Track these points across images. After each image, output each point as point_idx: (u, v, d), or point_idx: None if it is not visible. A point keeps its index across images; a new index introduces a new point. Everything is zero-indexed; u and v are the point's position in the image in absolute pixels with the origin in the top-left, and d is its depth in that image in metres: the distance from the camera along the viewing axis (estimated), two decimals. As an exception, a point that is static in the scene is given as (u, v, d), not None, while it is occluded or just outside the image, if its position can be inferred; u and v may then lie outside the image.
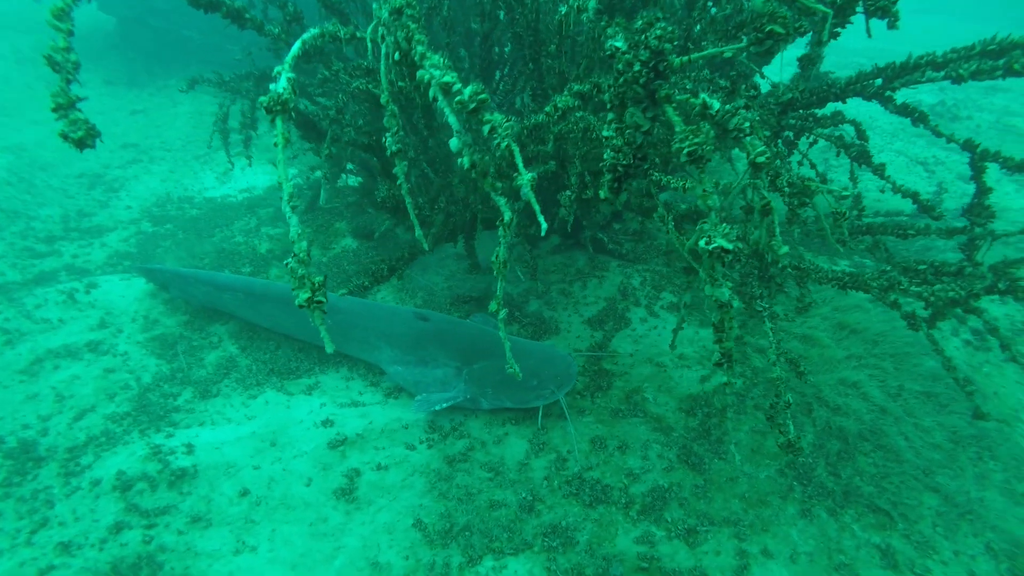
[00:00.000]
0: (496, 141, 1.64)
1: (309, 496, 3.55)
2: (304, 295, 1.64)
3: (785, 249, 1.91)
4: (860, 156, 3.90)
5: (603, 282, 5.33)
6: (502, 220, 1.79)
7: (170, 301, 5.37)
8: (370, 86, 3.05)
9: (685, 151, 1.69)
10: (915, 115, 3.56)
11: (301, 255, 1.68)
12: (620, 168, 1.80)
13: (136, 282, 5.58)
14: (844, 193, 2.22)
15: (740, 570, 3.19)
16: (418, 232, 1.95)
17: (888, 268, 3.11)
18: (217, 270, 5.79)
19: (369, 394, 4.40)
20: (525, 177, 1.65)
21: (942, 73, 3.14)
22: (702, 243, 1.70)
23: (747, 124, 1.71)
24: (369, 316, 4.31)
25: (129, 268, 6.07)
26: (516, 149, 1.64)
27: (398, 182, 1.95)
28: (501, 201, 1.76)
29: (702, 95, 1.74)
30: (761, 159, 1.70)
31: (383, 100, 2.05)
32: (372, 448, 3.83)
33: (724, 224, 1.70)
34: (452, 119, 1.66)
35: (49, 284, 6.01)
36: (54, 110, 1.73)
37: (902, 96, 3.29)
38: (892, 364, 4.58)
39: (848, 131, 4.41)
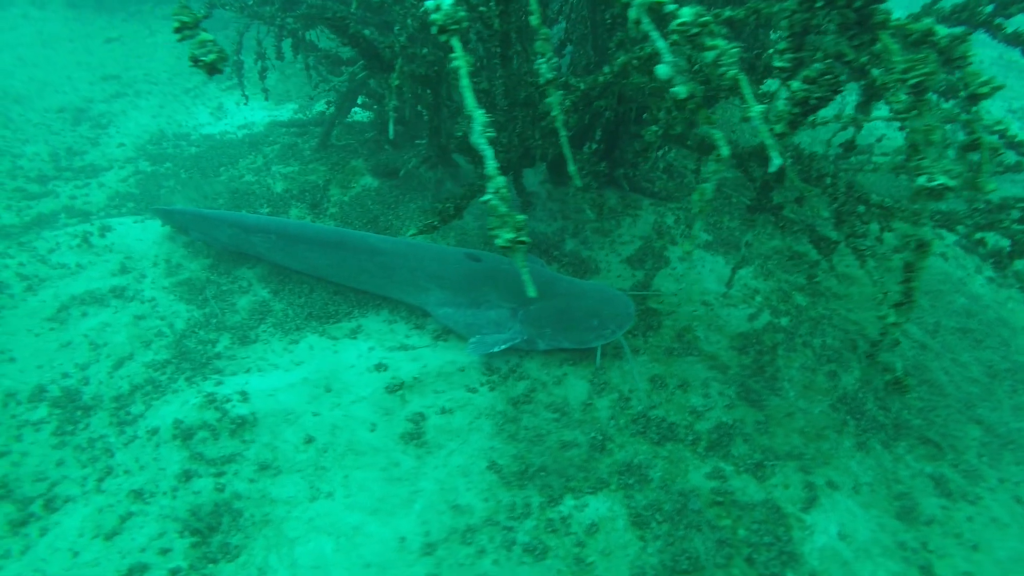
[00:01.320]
0: (722, 70, 1.51)
1: (376, 441, 3.53)
2: (508, 235, 1.52)
3: (993, 186, 1.86)
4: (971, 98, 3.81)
5: (637, 221, 5.26)
6: (718, 155, 1.66)
7: (190, 244, 5.15)
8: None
9: (911, 81, 1.59)
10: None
11: (503, 191, 1.55)
12: (813, 100, 1.69)
13: (151, 224, 5.31)
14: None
15: (809, 502, 3.31)
16: (572, 168, 1.83)
17: (980, 207, 3.10)
18: (234, 211, 5.55)
19: (416, 337, 4.33)
20: (756, 109, 1.54)
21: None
22: (922, 180, 1.63)
23: (970, 53, 1.62)
24: (415, 257, 4.20)
25: (144, 210, 5.77)
26: (744, 79, 1.53)
27: (553, 113, 1.80)
28: (718, 134, 1.65)
29: (925, 20, 1.64)
30: (984, 89, 1.62)
31: (535, 23, 1.87)
32: (431, 392, 3.80)
33: (945, 160, 1.63)
34: (661, 43, 1.52)
35: (51, 227, 5.70)
36: (177, 30, 1.54)
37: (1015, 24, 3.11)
38: (928, 301, 4.68)
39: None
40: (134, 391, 3.97)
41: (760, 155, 3.43)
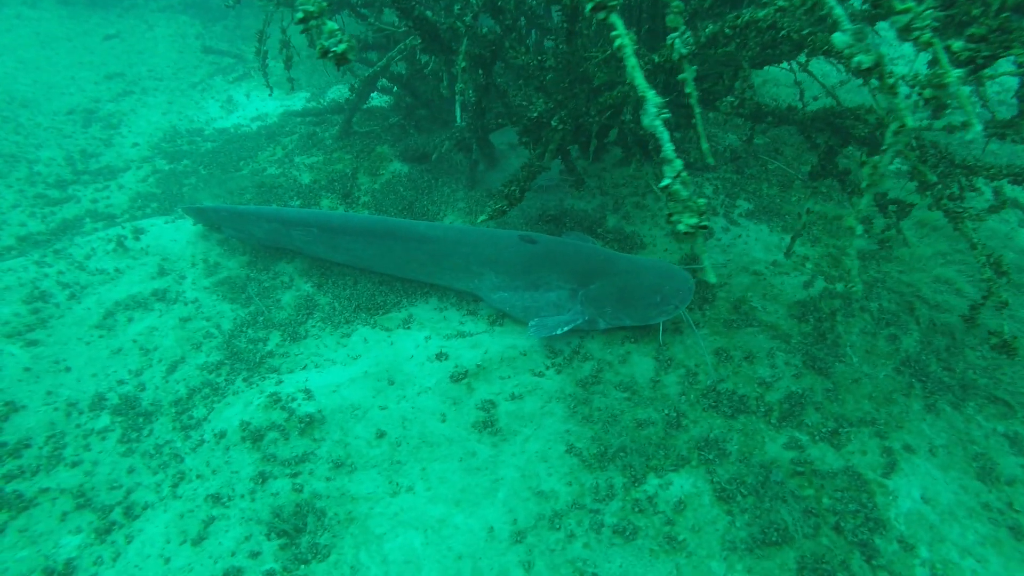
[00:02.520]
0: (915, 35, 1.44)
1: (449, 432, 3.50)
2: (691, 220, 1.46)
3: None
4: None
5: (676, 193, 5.19)
6: (902, 127, 1.57)
7: (224, 242, 5.07)
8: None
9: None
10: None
11: (684, 175, 1.49)
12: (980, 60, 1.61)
13: (183, 224, 5.23)
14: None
15: (889, 467, 3.30)
16: (704, 146, 1.76)
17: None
18: (264, 205, 5.46)
19: (471, 323, 4.29)
20: (954, 74, 1.47)
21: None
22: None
23: None
24: (467, 243, 4.13)
25: (169, 209, 5.68)
26: (939, 44, 1.45)
27: (687, 91, 1.72)
28: (903, 105, 1.57)
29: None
30: None
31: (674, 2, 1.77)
32: (497, 378, 3.77)
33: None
34: (839, 10, 1.45)
35: (79, 232, 5.61)
36: (301, 20, 1.46)
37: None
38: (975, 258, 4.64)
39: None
40: (192, 394, 3.93)
41: (824, 120, 3.36)
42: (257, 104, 7.67)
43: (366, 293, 4.59)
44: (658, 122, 1.46)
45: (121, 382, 4.05)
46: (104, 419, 3.84)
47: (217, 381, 3.98)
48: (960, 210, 2.71)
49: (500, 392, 3.68)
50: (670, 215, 1.49)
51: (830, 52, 1.71)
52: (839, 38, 1.47)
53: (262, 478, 3.34)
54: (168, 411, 3.85)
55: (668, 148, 1.49)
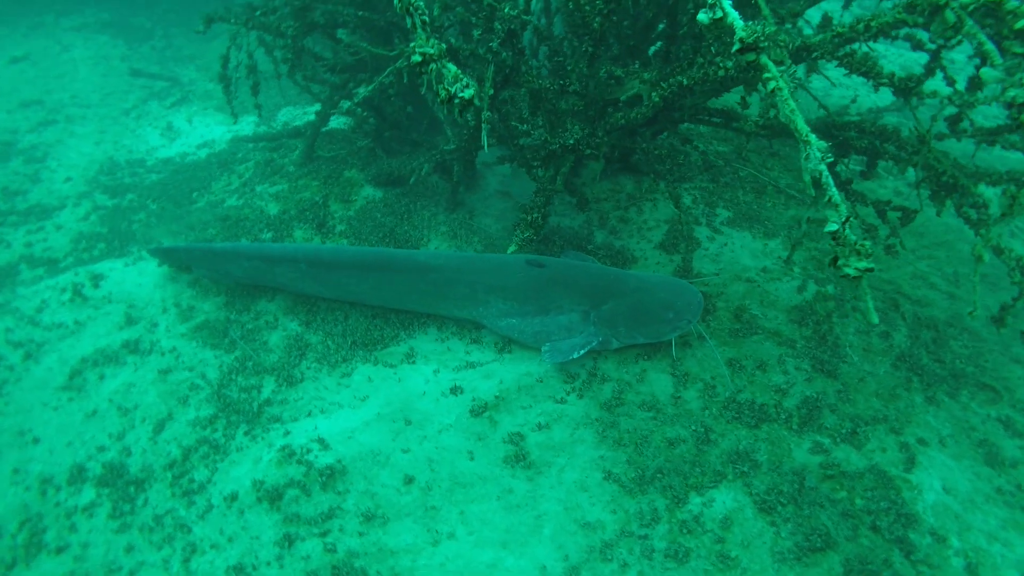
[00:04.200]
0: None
1: (480, 470, 3.38)
2: (860, 263, 1.42)
3: None
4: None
5: (657, 204, 5.27)
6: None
7: (195, 282, 4.73)
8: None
9: None
10: None
11: (853, 221, 1.44)
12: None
13: (147, 266, 4.83)
14: None
15: (909, 462, 3.44)
16: (807, 178, 1.72)
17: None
18: (233, 239, 5.14)
19: (477, 352, 4.17)
20: None
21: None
22: None
23: None
24: (472, 270, 4.01)
25: (121, 250, 5.24)
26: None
27: (789, 108, 1.67)
28: None
29: None
30: None
31: (765, 10, 1.74)
32: (519, 408, 3.68)
33: None
34: (988, 45, 1.46)
35: (17, 282, 5.10)
36: (419, 64, 1.33)
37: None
38: (943, 252, 4.96)
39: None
40: (188, 455, 3.62)
41: (823, 131, 3.48)
42: (202, 130, 7.23)
43: (360, 328, 4.38)
44: (823, 167, 1.44)
45: (102, 448, 3.68)
46: (88, 493, 3.48)
47: (215, 438, 3.68)
48: (986, 217, 2.86)
49: (525, 423, 3.59)
50: (836, 259, 1.47)
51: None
52: (988, 73, 1.50)
53: (288, 541, 3.11)
54: (163, 476, 3.53)
55: (835, 193, 1.47)
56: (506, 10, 2.65)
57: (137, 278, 4.71)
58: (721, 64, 2.47)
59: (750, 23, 1.41)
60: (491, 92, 2.73)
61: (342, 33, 4.67)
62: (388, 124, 5.63)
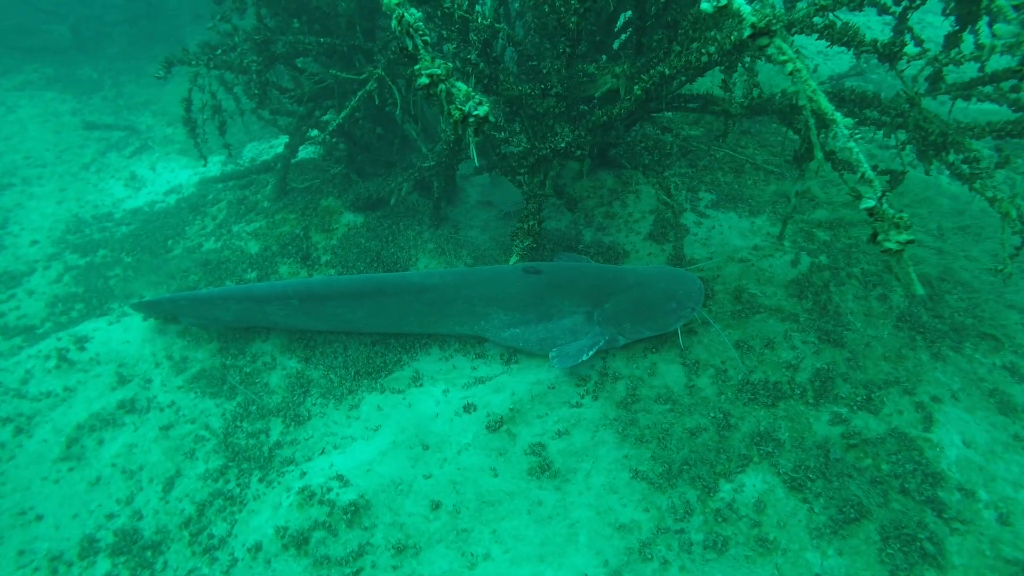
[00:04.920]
0: None
1: (506, 485, 3.32)
2: (900, 236, 1.38)
3: None
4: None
5: (640, 196, 5.28)
6: None
7: (184, 332, 4.60)
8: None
9: None
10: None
11: (889, 196, 1.41)
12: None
13: (131, 322, 4.69)
14: None
15: (927, 420, 3.47)
16: (819, 154, 1.70)
17: None
18: (216, 284, 5.01)
19: (484, 366, 4.12)
20: None
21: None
22: None
23: None
24: (469, 285, 3.96)
25: (101, 309, 5.08)
26: None
27: (810, 88, 1.64)
28: None
29: None
30: None
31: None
32: (535, 418, 3.63)
33: None
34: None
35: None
36: (427, 87, 1.29)
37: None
38: (924, 209, 5.03)
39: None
40: (203, 510, 3.51)
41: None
42: (167, 176, 7.07)
43: (361, 357, 4.30)
44: (852, 144, 1.42)
45: (111, 516, 3.55)
46: (103, 564, 3.35)
47: (229, 488, 3.57)
48: (978, 171, 2.89)
49: (544, 432, 3.55)
50: (875, 234, 1.45)
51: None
52: (1002, 28, 1.50)
53: (321, 585, 3.02)
54: (180, 536, 3.41)
55: (867, 169, 1.46)
56: (479, 20, 2.62)
57: (123, 335, 4.57)
58: (703, 50, 2.47)
59: (756, 7, 1.40)
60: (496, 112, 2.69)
61: (303, 62, 4.59)
62: (359, 148, 5.56)
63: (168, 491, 3.63)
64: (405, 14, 1.41)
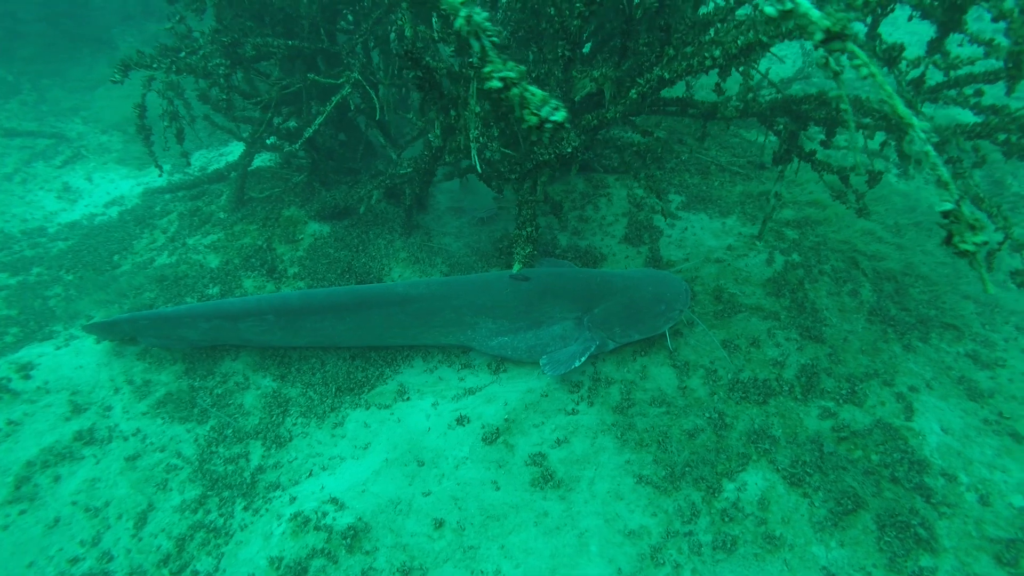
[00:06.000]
0: None
1: (509, 498, 3.24)
2: (976, 237, 1.37)
3: None
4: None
5: (612, 199, 5.31)
6: None
7: (144, 354, 4.30)
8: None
9: None
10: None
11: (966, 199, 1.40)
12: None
13: (82, 344, 4.34)
14: None
15: (907, 410, 3.61)
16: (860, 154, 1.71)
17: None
18: (174, 303, 4.71)
19: (471, 377, 4.03)
20: None
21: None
22: None
23: None
24: (457, 295, 3.86)
25: (42, 333, 4.67)
26: None
27: (886, 93, 1.61)
28: None
29: None
30: None
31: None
32: (531, 427, 3.57)
33: None
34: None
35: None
36: (500, 91, 1.21)
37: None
38: (882, 207, 5.27)
39: None
40: (184, 545, 3.26)
41: (783, 108, 3.59)
42: (106, 187, 6.61)
43: (341, 372, 4.13)
44: (928, 147, 1.42)
45: (75, 560, 3.26)
46: (73, 612, 3.06)
47: (210, 520, 3.34)
48: (961, 172, 3.02)
49: (542, 441, 3.49)
50: (950, 236, 1.46)
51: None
52: None
53: (324, 617, 2.86)
54: (159, 574, 3.16)
55: (944, 172, 1.47)
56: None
57: (75, 360, 4.21)
58: (707, 54, 2.49)
59: (828, 10, 1.39)
60: (478, 109, 2.61)
61: (263, 66, 4.37)
62: (323, 155, 5.36)
63: (141, 527, 3.36)
64: (472, 14, 1.33)
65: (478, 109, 2.53)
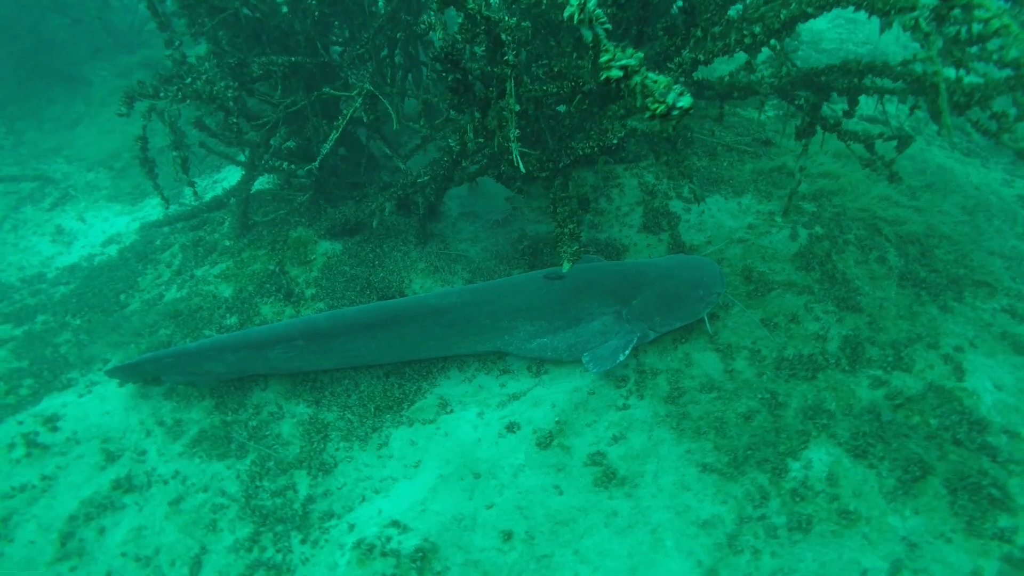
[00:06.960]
0: None
1: (575, 501, 3.17)
2: None
3: None
4: None
5: (623, 190, 5.25)
6: None
7: (170, 393, 4.17)
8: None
9: None
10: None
11: None
12: None
13: (105, 390, 4.20)
14: None
15: (958, 371, 3.59)
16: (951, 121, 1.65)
17: None
18: (192, 337, 4.57)
19: (512, 382, 3.95)
20: None
21: None
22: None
23: None
24: (491, 300, 3.78)
25: (76, 379, 4.52)
26: None
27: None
28: None
29: None
30: None
31: None
32: (585, 427, 3.50)
33: None
34: None
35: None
36: (620, 80, 1.13)
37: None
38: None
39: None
40: (244, 585, 3.15)
41: (804, 81, 3.55)
42: (101, 226, 6.43)
43: (377, 391, 4.03)
44: None
45: (134, 612, 3.13)
46: (139, 667, 2.94)
47: (268, 557, 3.23)
48: (1007, 126, 2.98)
49: (598, 440, 3.42)
50: None
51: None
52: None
53: (405, 645, 2.76)
54: (223, 619, 3.05)
55: None
56: (507, 20, 2.46)
57: (100, 406, 4.07)
58: (746, 32, 2.43)
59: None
60: (517, 108, 2.53)
61: (262, 86, 4.25)
62: (327, 172, 5.24)
63: (197, 571, 3.24)
64: (587, 2, 1.25)
65: (518, 107, 2.45)
